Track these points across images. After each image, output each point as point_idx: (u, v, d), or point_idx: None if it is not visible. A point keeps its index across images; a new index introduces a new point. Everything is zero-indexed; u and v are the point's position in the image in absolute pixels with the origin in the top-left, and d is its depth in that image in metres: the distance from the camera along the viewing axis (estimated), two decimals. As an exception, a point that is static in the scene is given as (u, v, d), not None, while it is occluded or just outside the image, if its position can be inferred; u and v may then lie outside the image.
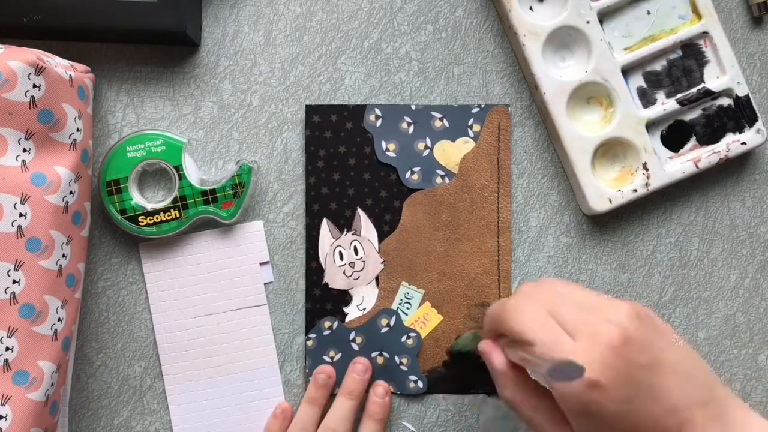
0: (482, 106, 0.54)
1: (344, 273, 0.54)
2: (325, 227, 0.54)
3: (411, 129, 0.54)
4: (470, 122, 0.54)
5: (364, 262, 0.54)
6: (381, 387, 0.53)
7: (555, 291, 0.44)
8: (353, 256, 0.54)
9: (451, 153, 0.54)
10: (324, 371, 0.53)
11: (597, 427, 0.40)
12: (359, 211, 0.54)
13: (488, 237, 0.54)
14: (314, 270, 0.54)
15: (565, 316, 0.41)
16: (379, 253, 0.54)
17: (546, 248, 0.55)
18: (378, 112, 0.54)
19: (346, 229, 0.54)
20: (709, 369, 0.42)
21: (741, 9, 0.56)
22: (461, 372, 0.54)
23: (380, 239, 0.54)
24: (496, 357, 0.45)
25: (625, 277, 0.55)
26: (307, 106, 0.54)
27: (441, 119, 0.54)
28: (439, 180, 0.54)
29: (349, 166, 0.54)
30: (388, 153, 0.54)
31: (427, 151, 0.54)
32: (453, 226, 0.54)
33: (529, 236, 0.55)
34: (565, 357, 0.39)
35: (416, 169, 0.54)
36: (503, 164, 0.54)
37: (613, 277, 0.55)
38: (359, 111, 0.54)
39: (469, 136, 0.54)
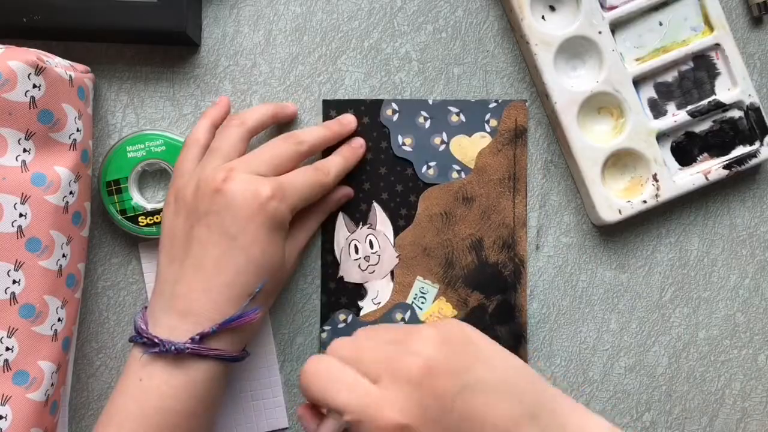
0: (499, 101, 0.54)
1: (359, 267, 0.54)
2: (341, 221, 0.54)
3: (428, 124, 0.54)
4: (487, 117, 0.54)
5: (379, 256, 0.54)
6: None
7: (358, 338, 0.40)
8: (368, 249, 0.54)
9: (467, 148, 0.54)
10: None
11: None
12: (375, 204, 0.54)
13: (504, 232, 0.54)
14: (330, 263, 0.54)
15: (367, 361, 0.38)
16: (394, 247, 0.54)
17: (546, 248, 0.55)
18: (395, 106, 0.54)
19: (361, 223, 0.54)
20: (532, 377, 0.39)
21: (741, 9, 0.56)
22: None
23: (396, 233, 0.54)
24: (323, 428, 0.39)
25: (625, 277, 0.55)
26: (324, 100, 0.54)
27: (458, 114, 0.54)
28: (455, 175, 0.54)
29: (365, 160, 0.54)
30: (404, 147, 0.54)
31: (443, 146, 0.54)
32: (469, 221, 0.54)
33: (529, 236, 0.55)
34: (373, 410, 0.35)
35: (432, 163, 0.54)
36: (519, 160, 0.54)
37: (613, 277, 0.55)
38: (376, 105, 0.54)
39: (486, 131, 0.54)
